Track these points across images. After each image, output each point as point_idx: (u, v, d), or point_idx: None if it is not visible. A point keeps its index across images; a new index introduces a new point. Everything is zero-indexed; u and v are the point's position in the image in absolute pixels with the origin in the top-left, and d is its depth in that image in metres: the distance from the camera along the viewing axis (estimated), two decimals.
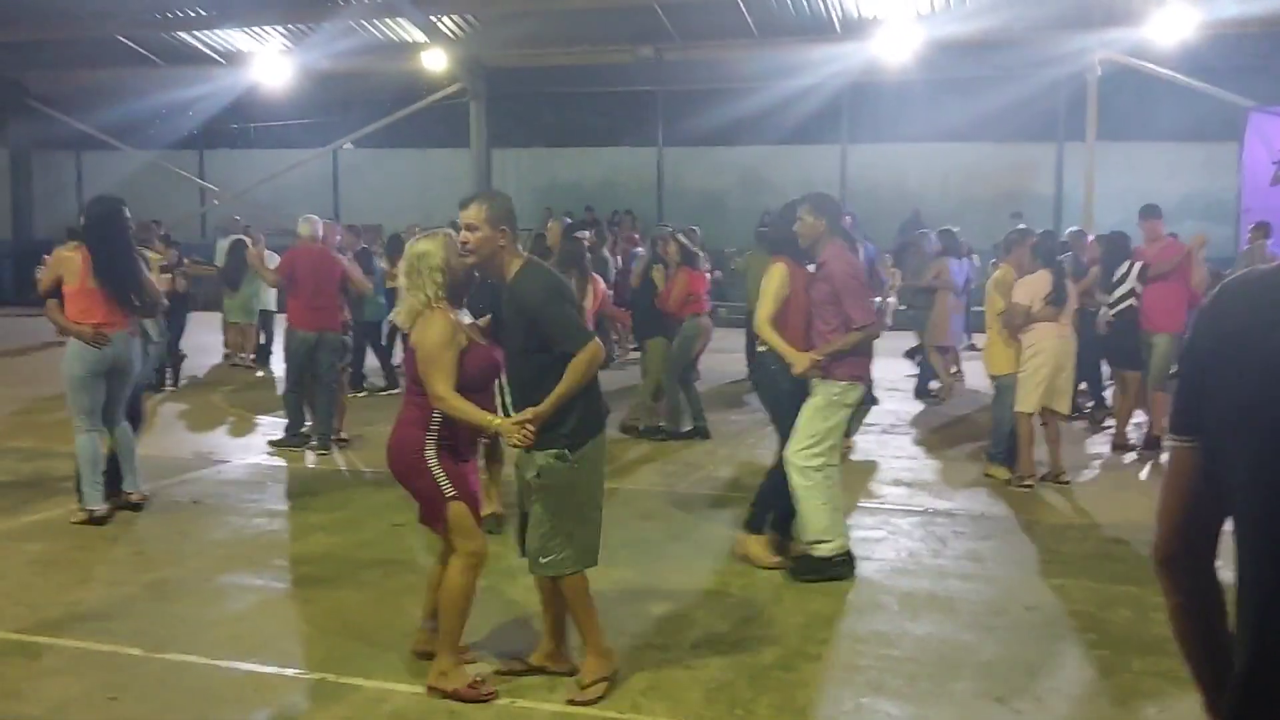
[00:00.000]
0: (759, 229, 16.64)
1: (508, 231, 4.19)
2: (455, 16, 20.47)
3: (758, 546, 5.95)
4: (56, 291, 6.63)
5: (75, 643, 4.80)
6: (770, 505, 6.00)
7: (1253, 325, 1.55)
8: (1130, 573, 5.81)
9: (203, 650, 4.71)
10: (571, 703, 4.20)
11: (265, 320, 14.23)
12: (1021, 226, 8.72)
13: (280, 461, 8.60)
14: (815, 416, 5.69)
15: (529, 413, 4.08)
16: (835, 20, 18.83)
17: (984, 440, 8.57)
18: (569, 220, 12.22)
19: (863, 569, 5.88)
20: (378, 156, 24.47)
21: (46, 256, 7.31)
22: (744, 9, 18.31)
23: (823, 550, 5.71)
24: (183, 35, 21.95)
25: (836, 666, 4.66)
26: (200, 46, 22.43)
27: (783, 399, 5.88)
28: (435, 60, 20.44)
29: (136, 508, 6.85)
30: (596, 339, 4.25)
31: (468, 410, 4.13)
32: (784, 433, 5.89)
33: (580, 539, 4.27)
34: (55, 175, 26.20)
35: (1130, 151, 19.64)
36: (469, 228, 4.15)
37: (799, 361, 5.64)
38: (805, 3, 18.15)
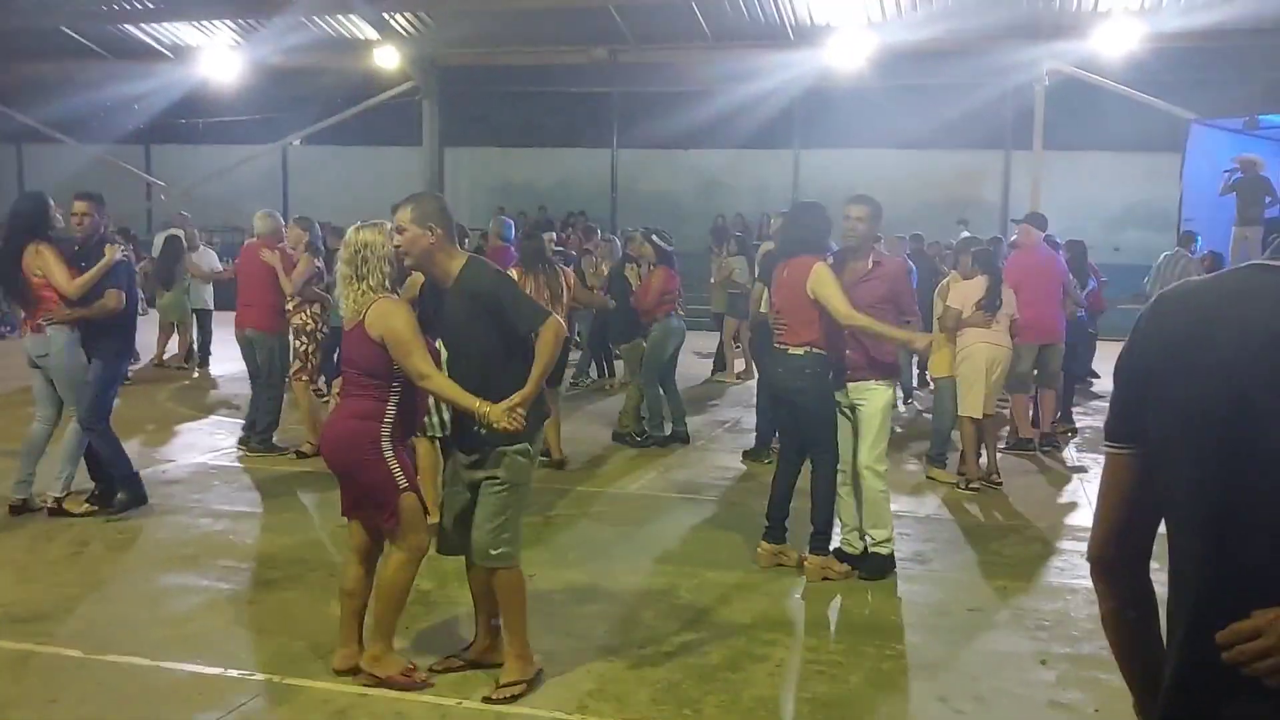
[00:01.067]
0: (726, 230, 16.78)
1: (437, 229, 4.16)
2: (408, 14, 20.33)
3: (834, 562, 5.90)
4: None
5: (13, 645, 4.72)
6: (830, 519, 5.92)
7: (1197, 335, 1.56)
8: (1068, 573, 5.92)
9: (145, 652, 4.65)
10: (487, 700, 4.20)
11: (203, 319, 13.82)
12: (965, 234, 8.87)
13: (224, 462, 8.50)
14: (884, 420, 5.85)
15: (516, 397, 4.06)
16: (789, 27, 18.95)
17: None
18: (508, 220, 12.11)
19: (793, 571, 5.94)
20: (329, 154, 24.26)
21: None
22: (698, 13, 18.37)
23: (889, 549, 5.90)
24: (129, 28, 21.59)
25: (783, 667, 4.70)
26: (147, 40, 22.08)
27: (816, 406, 5.80)
28: (387, 58, 20.29)
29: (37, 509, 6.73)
30: (556, 315, 4.29)
31: (455, 390, 4.13)
32: (809, 441, 5.87)
33: (520, 532, 4.35)
34: None
35: (1076, 161, 20.00)
36: (398, 230, 4.18)
37: (921, 339, 5.95)
38: (759, 8, 18.24)
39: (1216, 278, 1.65)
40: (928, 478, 8.13)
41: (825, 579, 5.80)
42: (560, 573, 5.84)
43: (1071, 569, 6.05)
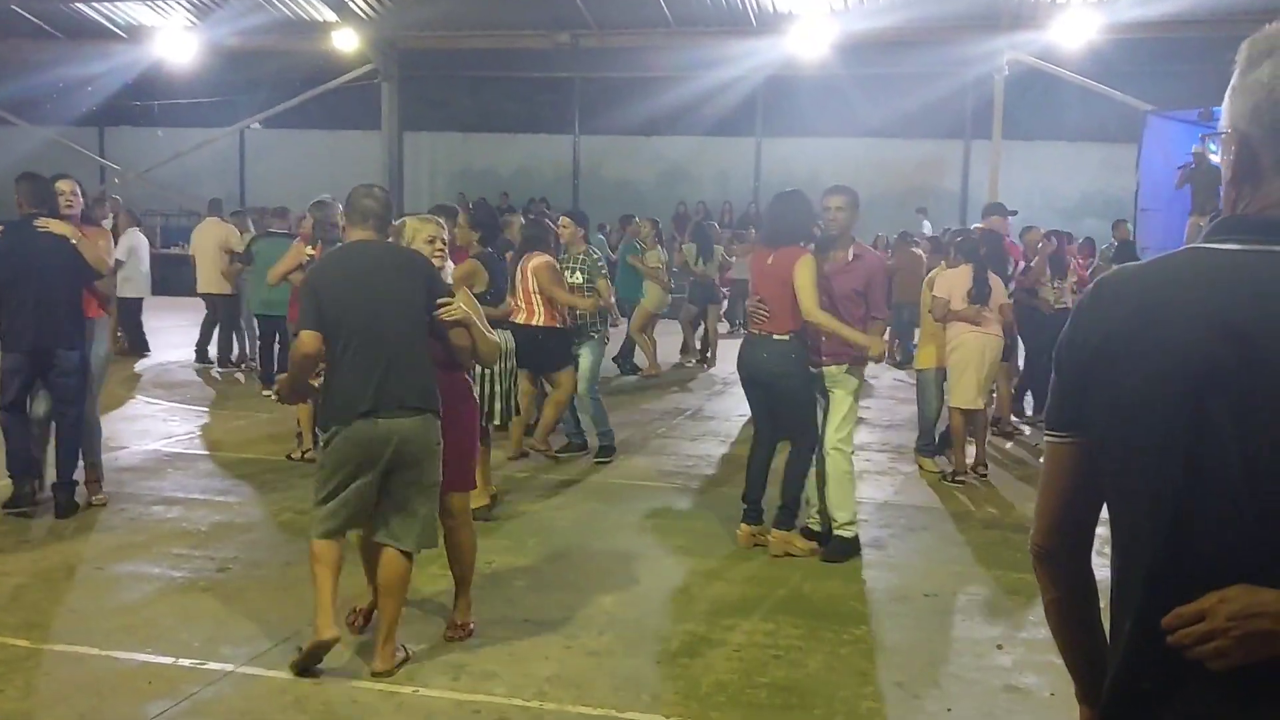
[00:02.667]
0: (686, 218, 16.73)
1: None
2: None
3: (799, 540, 6.02)
4: None
5: None
6: (799, 496, 6.02)
7: (1143, 321, 1.55)
8: (1025, 560, 5.97)
9: (95, 641, 4.57)
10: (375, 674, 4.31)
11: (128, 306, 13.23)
12: (946, 228, 8.95)
13: (179, 449, 8.39)
14: (853, 403, 5.97)
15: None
16: (751, 14, 18.97)
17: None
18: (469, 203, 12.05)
19: (758, 559, 5.95)
20: (287, 137, 23.98)
21: None
22: (661, 0, 18.36)
23: (852, 531, 5.98)
24: (82, 7, 21.20)
25: (741, 652, 4.70)
26: (101, 19, 21.71)
27: (800, 390, 5.91)
28: (346, 40, 20.08)
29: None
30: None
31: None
32: (790, 424, 5.97)
33: (321, 509, 4.47)
34: None
35: (1034, 150, 20.18)
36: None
37: (875, 345, 5.91)
38: None
39: (1158, 262, 1.62)
40: (919, 469, 8.13)
41: (788, 554, 5.91)
42: (518, 560, 5.81)
43: (1027, 555, 6.09)
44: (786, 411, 5.98)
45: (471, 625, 4.75)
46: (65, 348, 6.37)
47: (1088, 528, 1.73)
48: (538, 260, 7.59)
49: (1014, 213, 10.00)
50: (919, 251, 13.55)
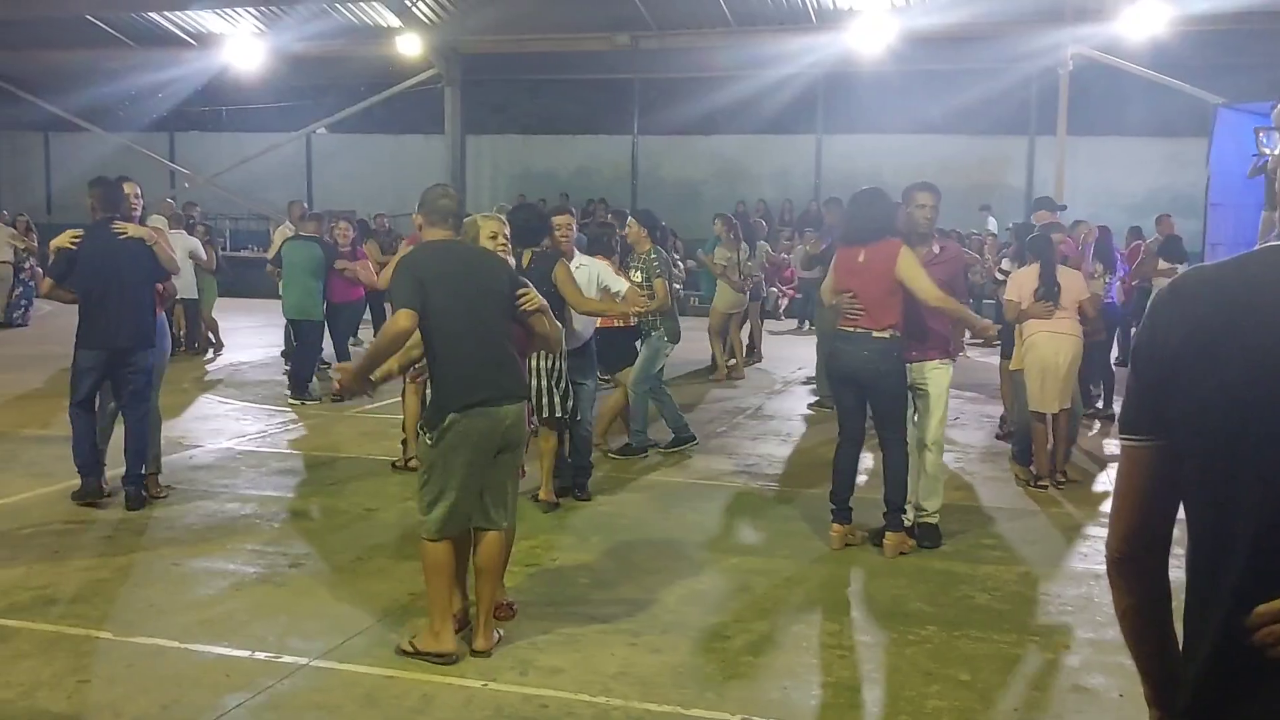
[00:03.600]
0: (744, 218, 16.58)
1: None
2: (430, 1, 20.38)
3: (909, 538, 6.08)
4: None
5: (47, 626, 4.79)
6: (905, 495, 6.06)
7: (1220, 322, 1.53)
8: (1092, 559, 5.91)
9: (174, 634, 4.71)
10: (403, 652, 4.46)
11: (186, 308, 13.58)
12: (1008, 225, 8.78)
13: (251, 447, 8.58)
14: (946, 395, 6.11)
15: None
16: (811, 11, 18.89)
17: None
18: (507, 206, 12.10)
19: (825, 558, 5.96)
20: (352, 142, 24.33)
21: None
22: None
23: (938, 518, 6.17)
24: (153, 16, 21.73)
25: (805, 651, 4.71)
26: (171, 28, 22.22)
27: (900, 386, 5.97)
28: (410, 45, 20.34)
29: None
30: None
31: None
32: (887, 421, 6.01)
33: (429, 504, 4.54)
34: (23, 157, 25.93)
35: (1100, 146, 19.84)
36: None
37: (990, 327, 6.12)
38: None
39: (1237, 261, 1.60)
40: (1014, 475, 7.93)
41: (901, 554, 5.96)
42: (583, 556, 5.87)
43: (1095, 554, 6.04)
44: (886, 409, 5.99)
45: (514, 604, 4.93)
46: (143, 347, 6.61)
47: (1165, 533, 1.70)
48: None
49: (1063, 207, 9.84)
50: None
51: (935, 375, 6.03)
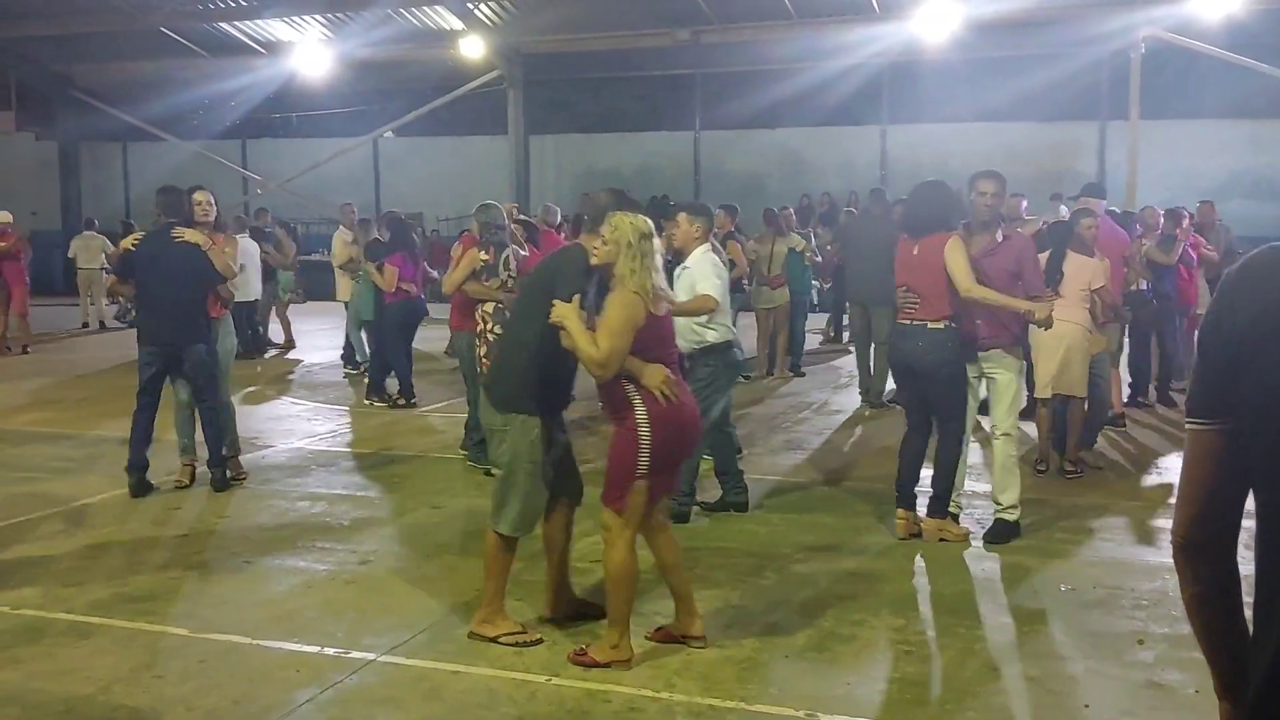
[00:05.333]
0: (809, 210, 16.43)
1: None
2: (492, 3, 20.54)
3: (952, 525, 6.12)
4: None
5: (123, 623, 4.92)
6: (951, 485, 6.11)
7: None
8: (1167, 551, 5.76)
9: (246, 630, 4.81)
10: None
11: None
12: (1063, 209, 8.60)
13: (322, 446, 8.73)
14: (1013, 385, 6.03)
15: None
16: (874, 0, 18.69)
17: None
18: (552, 206, 12.15)
19: (888, 551, 5.90)
20: (418, 145, 24.60)
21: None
22: None
23: (1014, 515, 6.06)
24: (224, 26, 22.20)
25: (870, 647, 4.67)
26: (242, 37, 22.69)
27: (958, 377, 5.97)
28: (473, 47, 20.52)
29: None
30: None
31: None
32: (944, 412, 6.03)
33: (514, 502, 4.64)
34: (103, 167, 26.61)
35: (1174, 130, 19.33)
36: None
37: (1041, 309, 5.80)
38: None
39: None
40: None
41: (942, 540, 5.99)
42: (645, 553, 5.86)
43: (1169, 547, 5.89)
44: (943, 400, 6.00)
45: (595, 658, 4.42)
46: (191, 343, 7.00)
47: (1233, 520, 1.66)
48: None
49: (1074, 197, 9.59)
50: None
51: (1004, 362, 5.98)
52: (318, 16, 21.63)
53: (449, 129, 23.72)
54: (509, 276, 7.48)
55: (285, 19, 21.80)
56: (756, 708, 4.07)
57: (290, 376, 12.64)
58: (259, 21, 21.96)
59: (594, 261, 4.40)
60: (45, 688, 4.26)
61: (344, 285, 12.36)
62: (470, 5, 20.35)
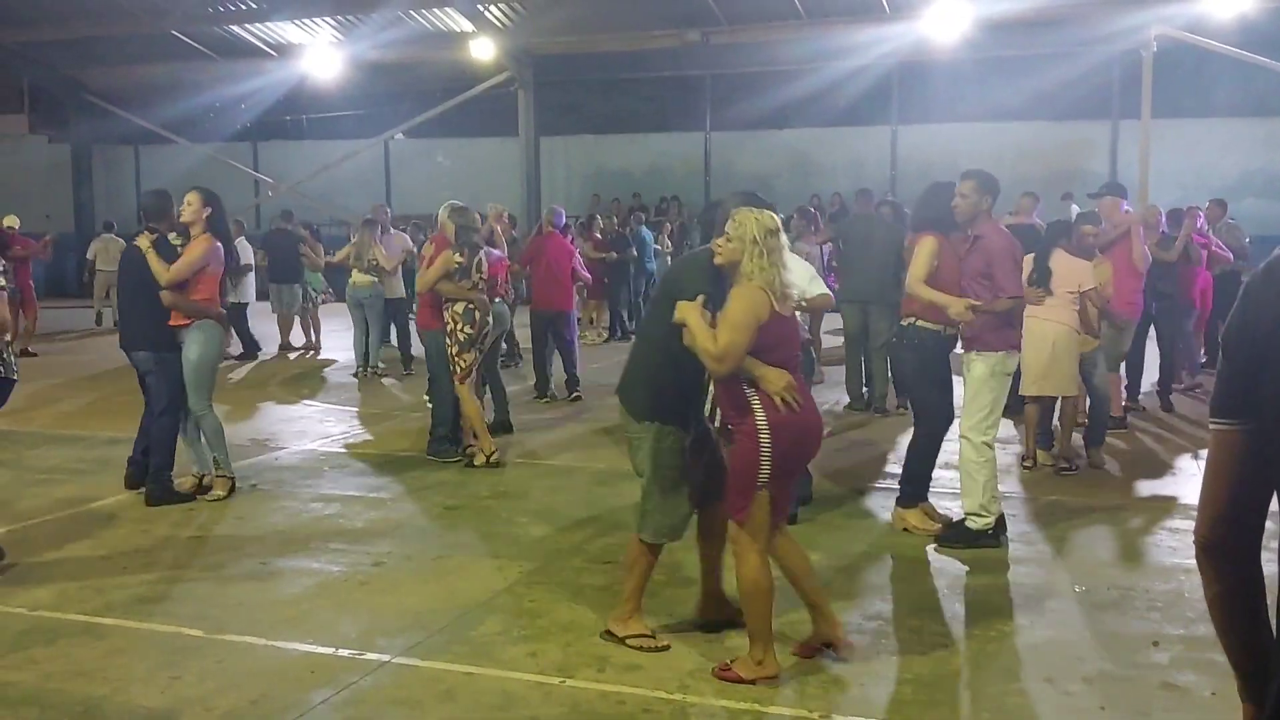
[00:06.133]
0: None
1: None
2: (502, 5, 20.57)
3: (915, 517, 6.19)
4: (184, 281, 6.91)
5: (139, 624, 4.94)
6: (920, 477, 6.23)
7: None
8: (1181, 553, 5.75)
9: (261, 631, 4.83)
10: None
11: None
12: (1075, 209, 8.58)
13: (334, 448, 8.75)
14: (983, 389, 5.92)
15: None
16: (884, 1, 18.67)
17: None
18: (558, 209, 12.14)
19: (906, 552, 5.89)
20: (428, 146, 24.66)
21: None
22: None
23: (979, 524, 5.95)
24: (235, 29, 22.28)
25: (885, 647, 4.66)
26: (252, 39, 22.76)
27: (911, 373, 6.16)
28: (483, 49, 20.55)
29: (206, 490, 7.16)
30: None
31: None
32: (922, 408, 6.25)
33: (657, 508, 4.59)
34: (115, 170, 26.74)
35: (1187, 129, 19.29)
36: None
37: (955, 304, 5.78)
38: None
39: None
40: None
41: (905, 530, 6.14)
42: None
43: (1185, 548, 5.88)
44: (905, 391, 6.24)
45: (740, 674, 4.26)
46: (135, 349, 7.00)
47: (1257, 520, 1.66)
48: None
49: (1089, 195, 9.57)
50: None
51: (970, 366, 5.96)
52: (328, 19, 21.69)
53: (459, 131, 23.77)
54: (480, 278, 7.85)
55: (295, 21, 21.87)
56: (771, 709, 4.07)
57: (303, 378, 12.66)
58: (269, 24, 22.03)
59: (717, 260, 4.26)
60: (62, 688, 4.28)
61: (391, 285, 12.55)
62: (480, 7, 20.38)
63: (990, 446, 5.94)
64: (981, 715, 4.03)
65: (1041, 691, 4.23)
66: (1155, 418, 9.60)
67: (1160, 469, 7.92)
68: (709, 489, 4.58)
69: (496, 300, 8.67)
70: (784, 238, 4.28)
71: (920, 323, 6.05)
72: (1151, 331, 9.88)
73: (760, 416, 4.14)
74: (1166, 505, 6.89)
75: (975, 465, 5.91)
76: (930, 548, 5.98)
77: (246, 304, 13.83)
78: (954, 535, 5.98)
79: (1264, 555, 1.67)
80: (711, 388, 6.33)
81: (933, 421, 6.21)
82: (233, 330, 13.86)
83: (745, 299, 4.12)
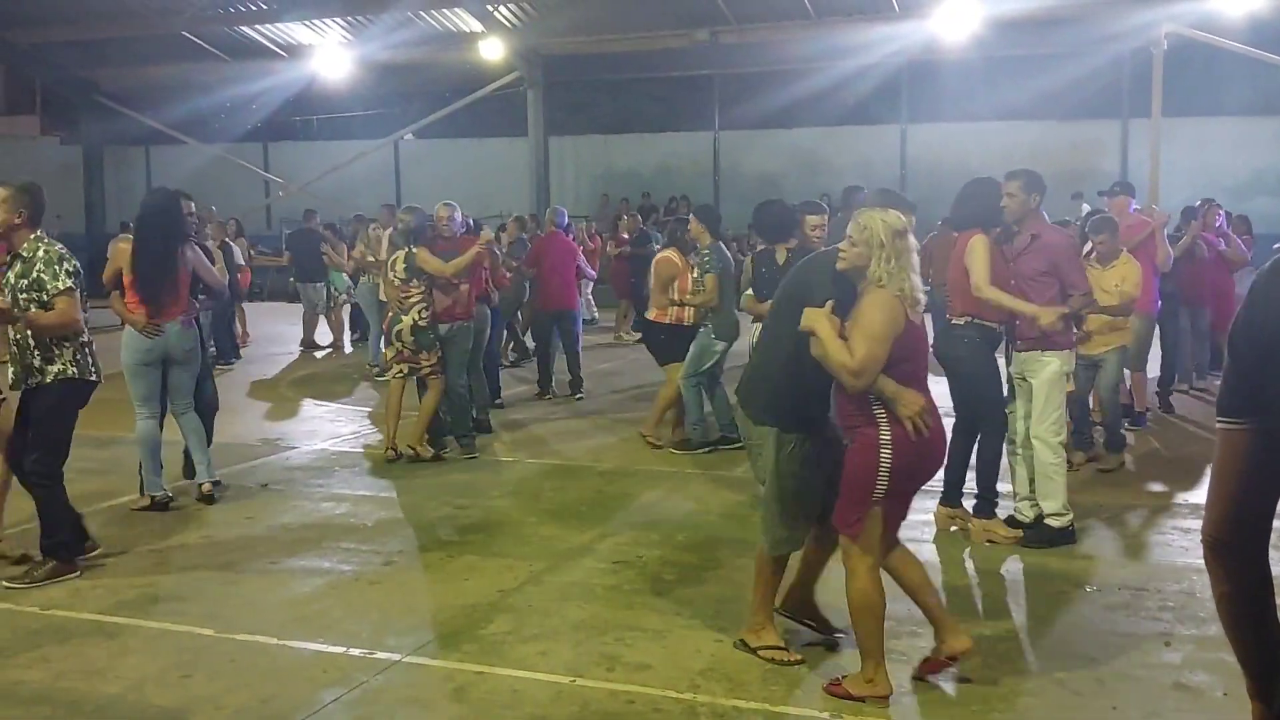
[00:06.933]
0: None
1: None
2: (512, 5, 20.59)
3: (1000, 526, 6.07)
4: (119, 282, 6.81)
5: (151, 623, 4.96)
6: (992, 484, 6.11)
7: None
8: (1193, 552, 5.74)
9: (272, 631, 4.84)
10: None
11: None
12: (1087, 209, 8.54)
13: (345, 448, 8.77)
14: (1054, 390, 5.92)
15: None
16: None
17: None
18: (561, 209, 12.21)
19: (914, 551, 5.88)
20: (438, 146, 24.70)
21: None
22: None
23: (1060, 523, 5.93)
24: (245, 29, 22.34)
25: (891, 648, 4.65)
26: (262, 40, 22.82)
27: (971, 375, 5.99)
28: (492, 49, 20.58)
29: (207, 499, 6.94)
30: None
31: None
32: (974, 409, 6.07)
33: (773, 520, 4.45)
34: (126, 170, 26.83)
35: (1198, 127, 19.23)
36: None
37: (1047, 315, 5.69)
38: None
39: None
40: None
41: (990, 542, 5.97)
42: (668, 554, 5.88)
43: (1196, 548, 5.84)
44: (962, 396, 6.05)
45: (850, 691, 4.10)
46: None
47: (1264, 519, 1.66)
48: (658, 255, 8.58)
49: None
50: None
51: (1037, 366, 5.92)
52: (338, 19, 21.74)
53: (469, 131, 23.81)
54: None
55: (306, 22, 21.93)
56: (781, 709, 4.07)
57: (314, 378, 12.68)
58: (279, 25, 22.08)
59: (840, 265, 4.00)
60: (75, 687, 4.30)
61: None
62: (490, 7, 20.41)
63: (1064, 446, 6.03)
64: (993, 715, 4.02)
65: (1053, 691, 4.22)
66: (1166, 418, 9.56)
67: (1172, 468, 7.88)
68: (830, 501, 4.26)
69: (478, 299, 8.73)
70: (913, 239, 4.04)
71: (977, 320, 5.91)
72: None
73: (885, 430, 3.92)
74: (1178, 505, 6.87)
75: (1053, 467, 5.91)
76: (933, 548, 5.98)
77: (231, 304, 13.69)
78: (1037, 536, 5.95)
79: (1273, 554, 1.67)
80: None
81: (998, 422, 6.08)
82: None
83: (883, 307, 3.87)
